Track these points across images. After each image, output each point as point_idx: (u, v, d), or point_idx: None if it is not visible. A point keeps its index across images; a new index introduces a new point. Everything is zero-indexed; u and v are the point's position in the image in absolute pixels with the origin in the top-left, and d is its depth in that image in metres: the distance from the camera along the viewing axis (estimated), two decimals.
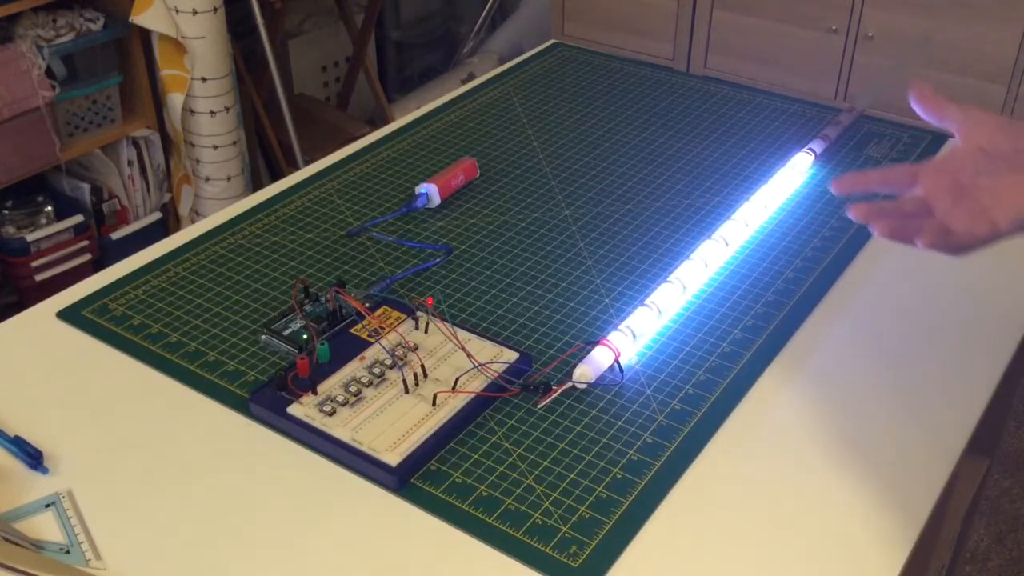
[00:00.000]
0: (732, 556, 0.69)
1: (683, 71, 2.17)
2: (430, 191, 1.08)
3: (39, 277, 2.11)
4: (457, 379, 0.81)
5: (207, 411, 0.81)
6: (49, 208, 2.15)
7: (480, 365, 0.82)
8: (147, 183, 2.28)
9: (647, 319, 0.89)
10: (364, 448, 0.75)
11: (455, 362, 0.83)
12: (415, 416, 0.78)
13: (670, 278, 0.93)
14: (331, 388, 0.80)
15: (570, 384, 0.82)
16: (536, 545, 0.69)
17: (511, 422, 0.80)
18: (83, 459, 0.77)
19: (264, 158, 2.63)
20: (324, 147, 2.28)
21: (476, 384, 0.81)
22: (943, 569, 1.43)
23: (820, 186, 1.12)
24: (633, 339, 0.87)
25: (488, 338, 0.86)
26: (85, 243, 2.17)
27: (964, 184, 0.69)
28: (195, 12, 2.07)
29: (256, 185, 2.49)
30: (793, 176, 1.12)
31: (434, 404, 0.79)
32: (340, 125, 2.67)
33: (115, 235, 2.23)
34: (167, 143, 2.26)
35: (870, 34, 2.23)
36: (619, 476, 0.75)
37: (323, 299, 0.91)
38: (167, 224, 2.35)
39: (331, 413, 0.78)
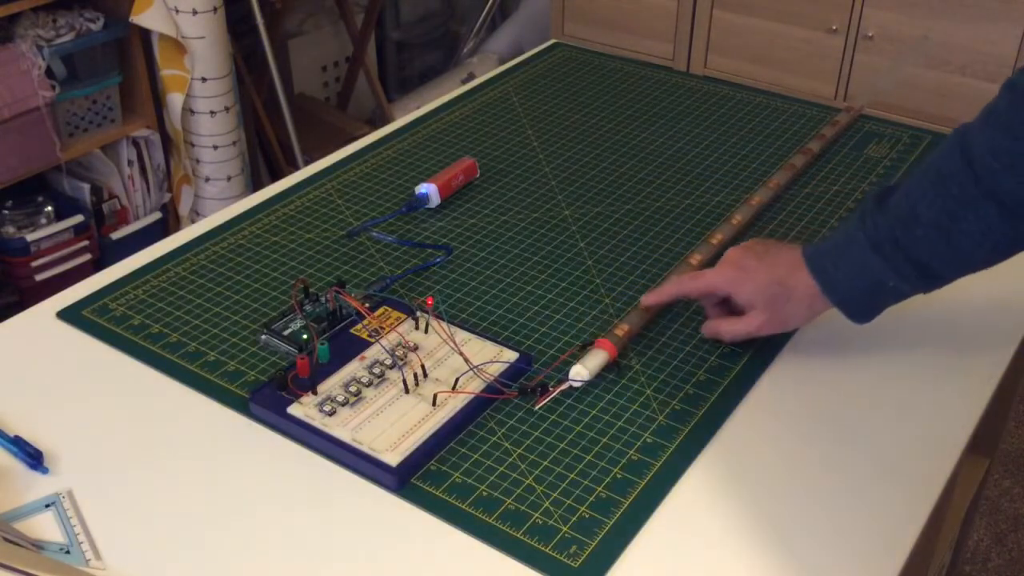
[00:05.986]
0: (732, 556, 0.69)
1: (683, 71, 2.17)
2: (430, 191, 1.08)
3: (39, 277, 2.10)
4: (457, 379, 0.80)
5: (207, 411, 0.81)
6: (49, 208, 2.14)
7: (476, 367, 0.82)
8: (147, 183, 2.27)
9: (646, 319, 0.89)
10: (364, 448, 0.75)
11: (455, 362, 0.83)
12: (415, 416, 0.78)
13: (669, 278, 0.93)
14: (331, 388, 0.80)
15: (567, 384, 0.82)
16: (536, 545, 0.69)
17: (511, 422, 0.80)
18: (83, 459, 0.77)
19: (264, 158, 2.62)
20: (324, 147, 2.28)
21: (476, 384, 0.81)
22: (943, 569, 1.43)
23: (820, 186, 1.12)
24: (632, 339, 0.87)
25: (488, 338, 0.86)
26: (85, 243, 2.17)
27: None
28: (195, 12, 2.07)
29: (256, 185, 2.49)
30: (790, 176, 1.12)
31: (434, 404, 0.79)
32: (340, 125, 2.67)
33: (115, 235, 2.23)
34: (167, 143, 2.26)
35: (870, 34, 2.23)
36: (619, 476, 0.75)
37: (323, 299, 0.91)
38: (167, 224, 2.34)
39: (331, 413, 0.78)
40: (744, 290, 0.84)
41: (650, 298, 0.89)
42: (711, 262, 0.97)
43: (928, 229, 0.75)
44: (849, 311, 0.82)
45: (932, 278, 0.78)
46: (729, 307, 0.87)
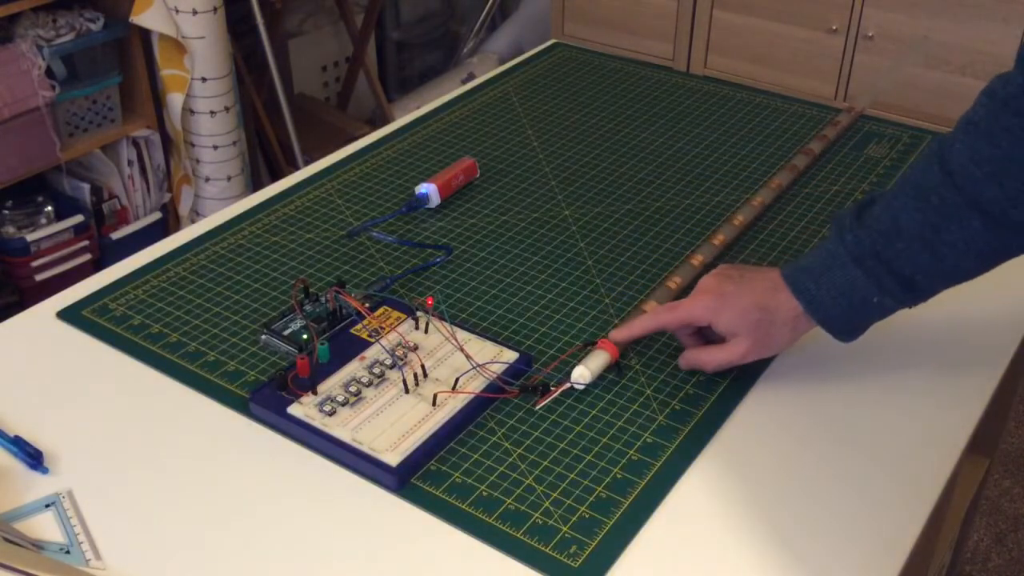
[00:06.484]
0: (732, 556, 0.69)
1: (683, 71, 2.17)
2: (430, 191, 1.08)
3: (39, 277, 2.10)
4: (457, 379, 0.80)
5: (207, 411, 0.81)
6: (49, 208, 2.15)
7: (479, 366, 0.82)
8: (147, 183, 2.27)
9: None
10: (364, 448, 0.75)
11: (455, 362, 0.83)
12: (415, 416, 0.78)
13: (669, 278, 0.93)
14: (331, 388, 0.80)
15: (568, 385, 0.82)
16: (536, 545, 0.69)
17: (511, 422, 0.80)
18: (83, 459, 0.77)
19: (264, 158, 2.62)
20: (324, 147, 2.28)
21: (476, 384, 0.81)
22: (943, 569, 1.43)
23: (820, 186, 1.12)
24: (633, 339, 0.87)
25: (488, 338, 0.86)
26: (85, 243, 2.17)
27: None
28: (195, 12, 2.07)
29: (256, 185, 2.49)
30: (790, 176, 1.12)
31: (434, 404, 0.79)
32: (340, 125, 2.67)
33: (115, 235, 2.23)
34: (167, 143, 2.26)
35: (870, 34, 2.23)
36: (619, 476, 0.75)
37: (323, 299, 0.91)
38: (167, 224, 2.34)
39: (331, 413, 0.78)
40: (724, 318, 0.80)
41: (621, 333, 0.84)
42: (712, 264, 0.97)
43: (911, 242, 0.74)
44: (834, 329, 0.80)
45: (917, 292, 0.77)
46: (705, 336, 0.85)
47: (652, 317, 0.84)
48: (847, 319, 0.79)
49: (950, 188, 0.73)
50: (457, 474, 0.75)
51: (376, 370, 0.82)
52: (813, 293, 0.78)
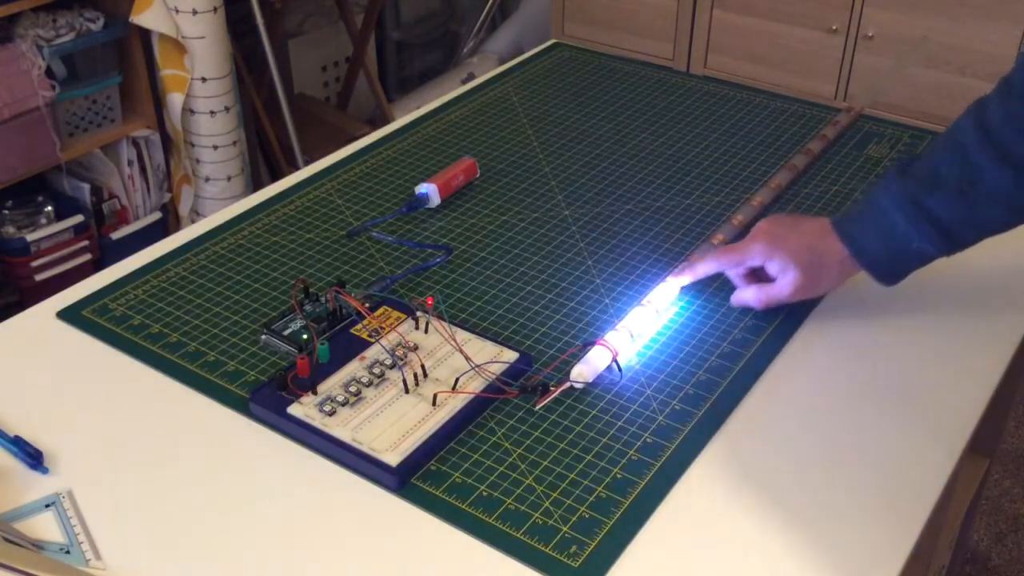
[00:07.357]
0: (732, 556, 0.69)
1: (683, 71, 2.17)
2: (430, 191, 1.08)
3: (39, 277, 2.10)
4: (457, 379, 0.80)
5: (207, 411, 0.81)
6: (49, 208, 2.14)
7: (478, 367, 0.82)
8: (147, 183, 2.27)
9: (646, 319, 0.89)
10: (364, 448, 0.75)
11: (455, 362, 0.83)
12: (415, 416, 0.78)
13: (669, 278, 0.93)
14: (331, 388, 0.80)
15: (568, 384, 0.82)
16: (536, 545, 0.69)
17: (511, 422, 0.80)
18: (83, 459, 0.77)
19: (264, 158, 2.62)
20: (324, 147, 2.28)
21: (476, 384, 0.81)
22: (943, 569, 1.43)
23: (820, 186, 1.12)
24: (632, 339, 0.87)
25: (488, 338, 0.86)
26: (85, 243, 2.17)
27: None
28: (195, 12, 2.07)
29: (256, 185, 2.49)
30: (790, 176, 1.12)
31: (434, 404, 0.79)
32: (340, 125, 2.67)
33: (115, 235, 2.23)
34: (167, 143, 2.26)
35: (870, 34, 2.23)
36: (619, 476, 0.75)
37: (323, 299, 0.91)
38: (167, 224, 2.34)
39: (331, 413, 0.78)
40: (777, 257, 0.87)
41: (684, 276, 0.92)
42: None
43: (948, 192, 0.80)
44: (877, 273, 0.86)
45: (953, 240, 0.83)
46: (757, 277, 0.91)
47: (713, 259, 0.91)
48: (888, 264, 0.86)
49: (986, 144, 0.79)
50: (457, 474, 0.75)
51: (376, 370, 0.82)
52: (857, 238, 0.85)
